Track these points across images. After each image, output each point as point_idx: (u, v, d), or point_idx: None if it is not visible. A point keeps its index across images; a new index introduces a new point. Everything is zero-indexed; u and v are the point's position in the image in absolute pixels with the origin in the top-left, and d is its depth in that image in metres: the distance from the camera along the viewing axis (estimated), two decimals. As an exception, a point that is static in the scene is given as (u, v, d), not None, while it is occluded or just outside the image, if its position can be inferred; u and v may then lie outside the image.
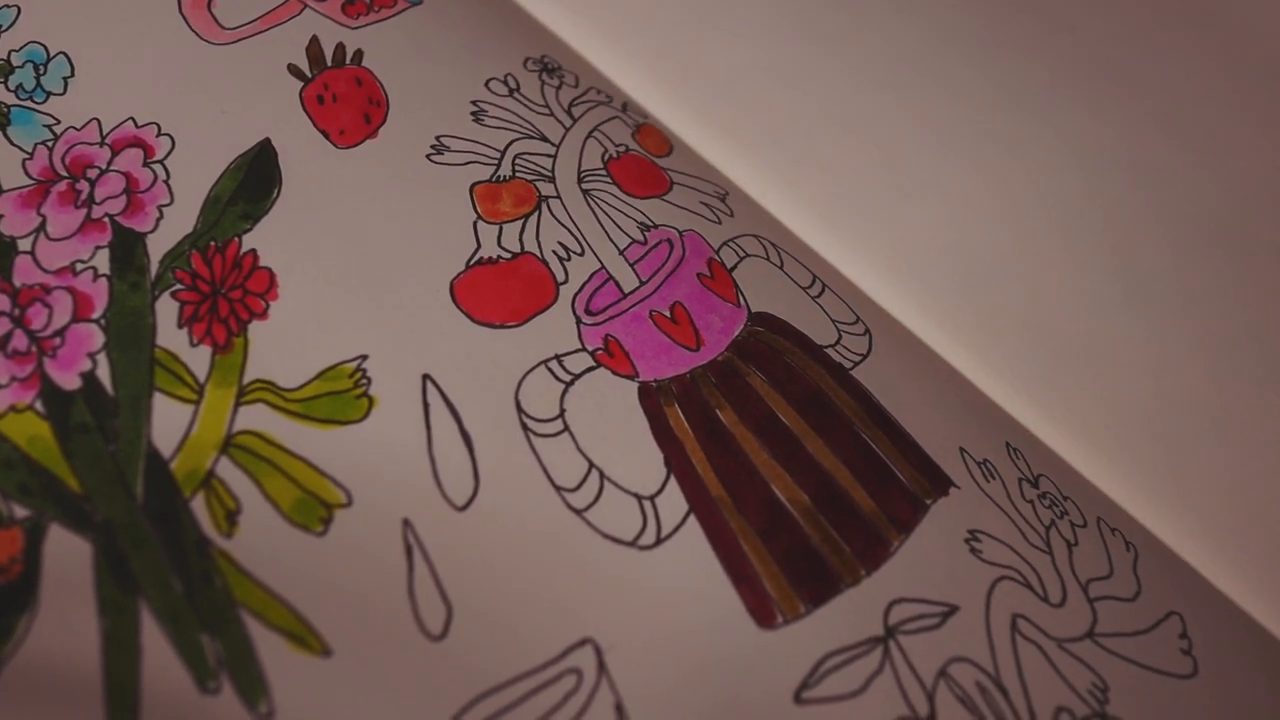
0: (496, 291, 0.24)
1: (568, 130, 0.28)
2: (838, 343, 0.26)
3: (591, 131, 0.28)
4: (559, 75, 0.29)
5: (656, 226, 0.26)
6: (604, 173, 0.27)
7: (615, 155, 0.28)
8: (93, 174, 0.24)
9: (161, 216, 0.23)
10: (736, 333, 0.25)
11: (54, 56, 0.25)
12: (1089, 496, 0.27)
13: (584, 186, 0.27)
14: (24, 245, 0.23)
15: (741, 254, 0.27)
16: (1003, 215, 0.32)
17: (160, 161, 0.24)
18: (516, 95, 0.28)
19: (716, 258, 0.26)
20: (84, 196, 0.23)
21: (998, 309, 0.30)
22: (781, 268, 0.27)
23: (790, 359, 0.25)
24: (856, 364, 0.26)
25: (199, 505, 0.21)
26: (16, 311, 0.22)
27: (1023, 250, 0.31)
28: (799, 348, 0.25)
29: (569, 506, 0.22)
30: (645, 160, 0.28)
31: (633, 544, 0.22)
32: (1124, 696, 0.22)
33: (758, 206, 0.31)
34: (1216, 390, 0.30)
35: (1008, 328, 0.30)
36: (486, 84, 0.28)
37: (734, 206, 0.29)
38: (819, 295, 0.27)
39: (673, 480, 0.23)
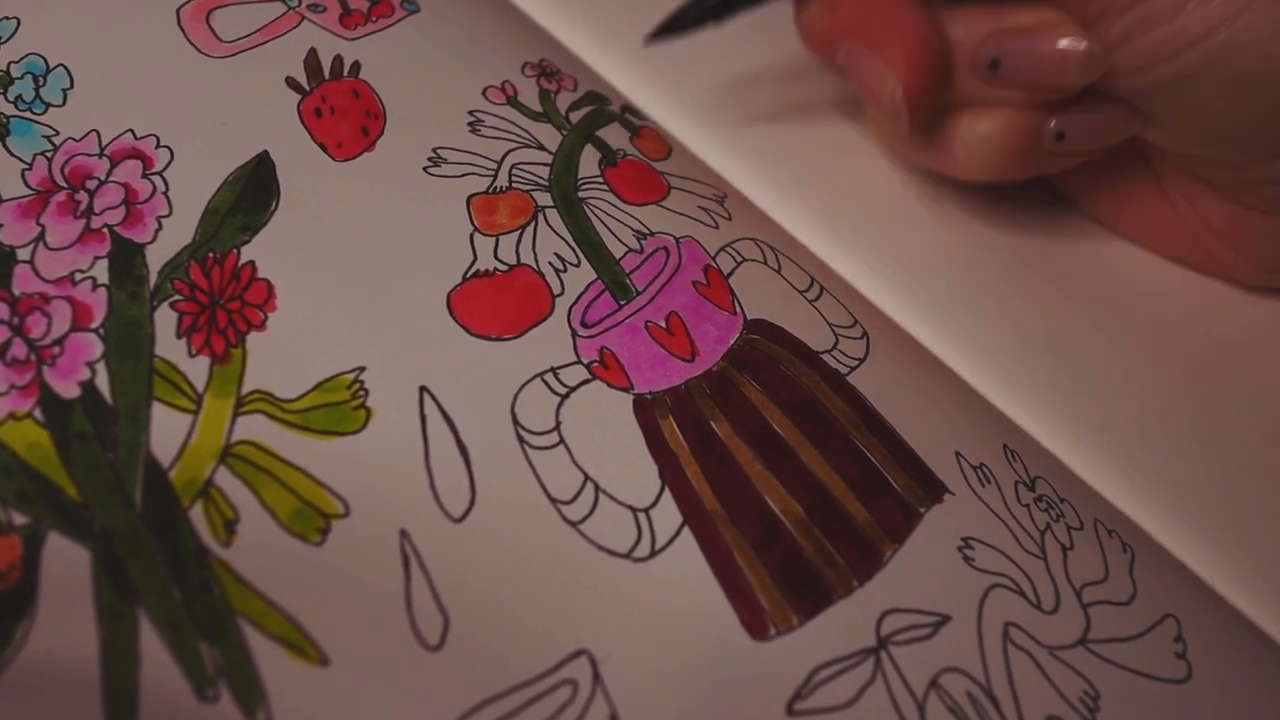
0: (493, 304, 0.24)
1: (565, 136, 0.28)
2: (834, 347, 0.26)
3: (589, 137, 0.28)
4: (557, 79, 0.29)
5: (653, 234, 0.26)
6: (601, 180, 0.27)
7: (613, 161, 0.28)
8: (92, 185, 0.24)
9: (160, 227, 0.24)
10: (732, 341, 0.25)
11: (53, 68, 0.25)
12: (1086, 497, 0.27)
13: (581, 195, 0.27)
14: (23, 255, 0.23)
15: (738, 259, 0.27)
16: (1002, 214, 0.32)
17: (159, 173, 0.24)
18: (514, 102, 0.28)
19: (713, 264, 0.26)
20: (83, 207, 0.23)
21: (997, 308, 0.30)
22: (779, 271, 0.27)
23: (786, 367, 0.25)
24: (853, 369, 0.26)
25: (197, 514, 0.21)
26: (15, 320, 0.22)
27: (1022, 246, 0.31)
28: (795, 355, 0.25)
29: (564, 518, 0.22)
30: (643, 165, 0.28)
31: (628, 556, 0.22)
32: (1115, 703, 0.22)
33: (756, 209, 0.31)
34: (1216, 389, 0.30)
35: (1006, 327, 0.30)
36: (484, 92, 0.28)
37: (732, 209, 0.29)
38: (816, 299, 0.27)
39: (667, 493, 0.23)
